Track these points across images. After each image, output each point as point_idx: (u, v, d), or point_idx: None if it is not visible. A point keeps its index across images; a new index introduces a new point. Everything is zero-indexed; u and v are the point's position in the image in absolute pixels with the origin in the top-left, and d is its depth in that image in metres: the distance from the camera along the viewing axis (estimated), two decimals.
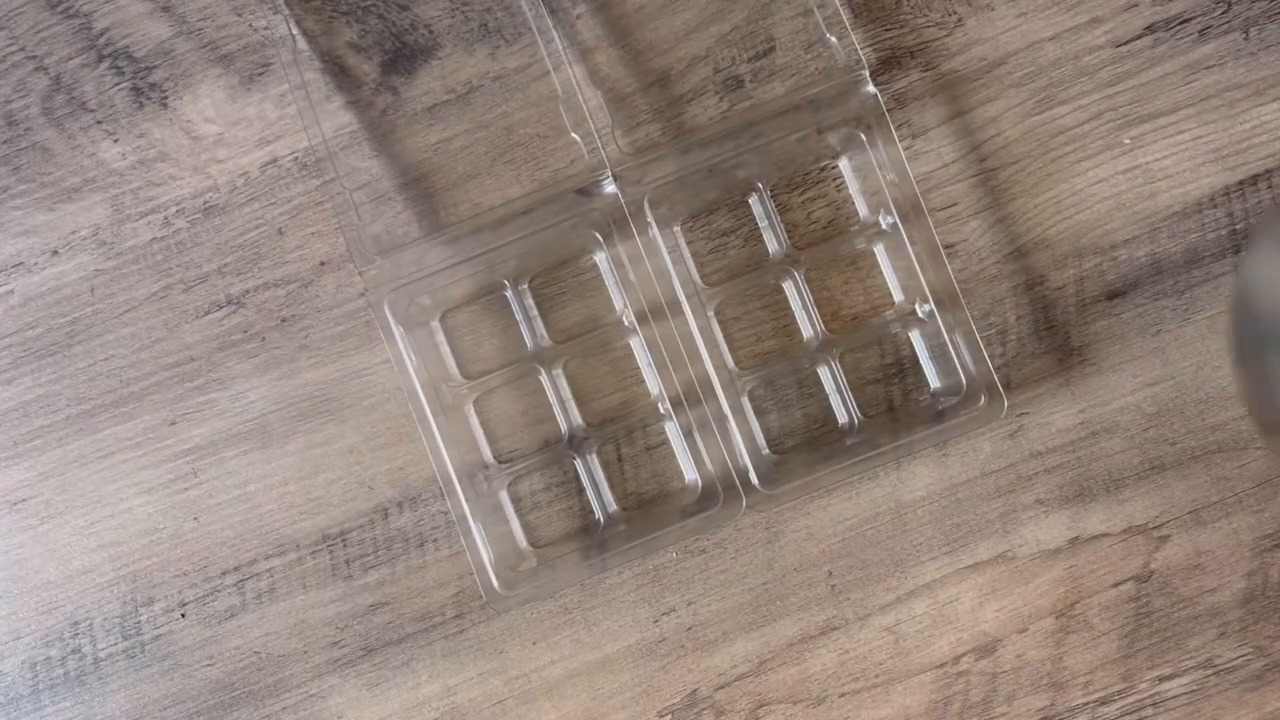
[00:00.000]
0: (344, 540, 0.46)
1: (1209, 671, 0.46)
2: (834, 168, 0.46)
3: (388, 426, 0.46)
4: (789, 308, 0.46)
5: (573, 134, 0.44)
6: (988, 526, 0.46)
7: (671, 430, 0.46)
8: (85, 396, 0.47)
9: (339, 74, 0.47)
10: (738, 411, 0.44)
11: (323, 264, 0.47)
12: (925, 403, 0.46)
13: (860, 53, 0.45)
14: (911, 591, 0.46)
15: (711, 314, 0.46)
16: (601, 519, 0.46)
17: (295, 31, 0.46)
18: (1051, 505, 0.46)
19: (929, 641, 0.46)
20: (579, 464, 0.46)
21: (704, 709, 0.46)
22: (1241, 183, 0.46)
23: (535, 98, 0.47)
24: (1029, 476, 0.46)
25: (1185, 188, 0.46)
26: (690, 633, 0.46)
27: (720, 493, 0.43)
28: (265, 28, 0.47)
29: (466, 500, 0.43)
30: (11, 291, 0.47)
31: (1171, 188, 0.46)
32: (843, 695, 0.46)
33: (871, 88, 0.44)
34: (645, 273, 0.43)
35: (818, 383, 0.46)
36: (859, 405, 0.46)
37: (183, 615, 0.46)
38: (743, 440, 0.44)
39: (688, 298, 0.44)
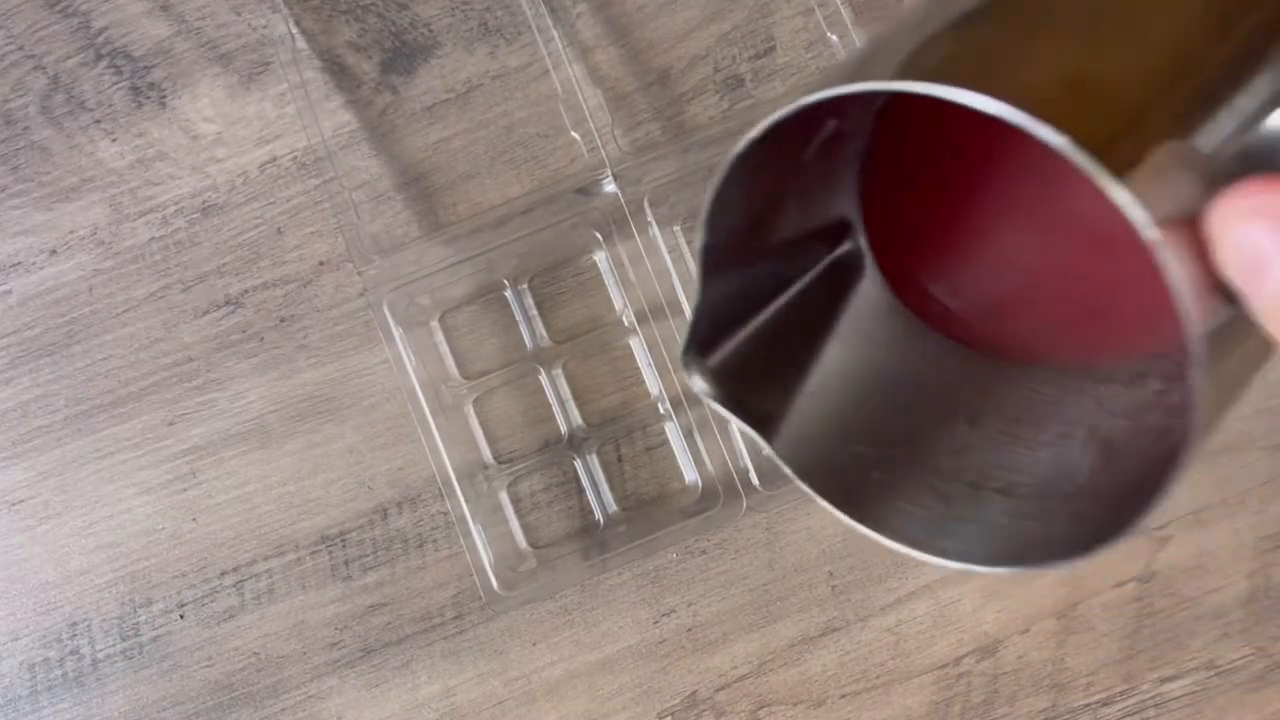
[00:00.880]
0: (343, 541, 0.46)
1: (1211, 672, 0.46)
2: None
3: (387, 427, 0.46)
4: None
5: (573, 133, 0.44)
6: None
7: (671, 430, 0.46)
8: (84, 396, 0.46)
9: (338, 73, 0.47)
10: None
11: (322, 264, 0.47)
12: None
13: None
14: (912, 592, 0.46)
15: None
16: (601, 519, 0.46)
17: (294, 30, 0.46)
18: None
19: (930, 642, 0.46)
20: (579, 464, 0.46)
21: (704, 710, 0.46)
22: None
23: (535, 97, 0.47)
24: None
25: None
26: (690, 634, 0.46)
27: (720, 493, 0.43)
28: (264, 26, 0.47)
29: (466, 501, 0.43)
30: (9, 291, 0.47)
31: None
32: (843, 696, 0.46)
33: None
34: (645, 272, 0.43)
35: None
36: None
37: (181, 616, 0.46)
38: (743, 440, 0.44)
39: (688, 297, 0.44)
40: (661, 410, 0.46)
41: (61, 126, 0.47)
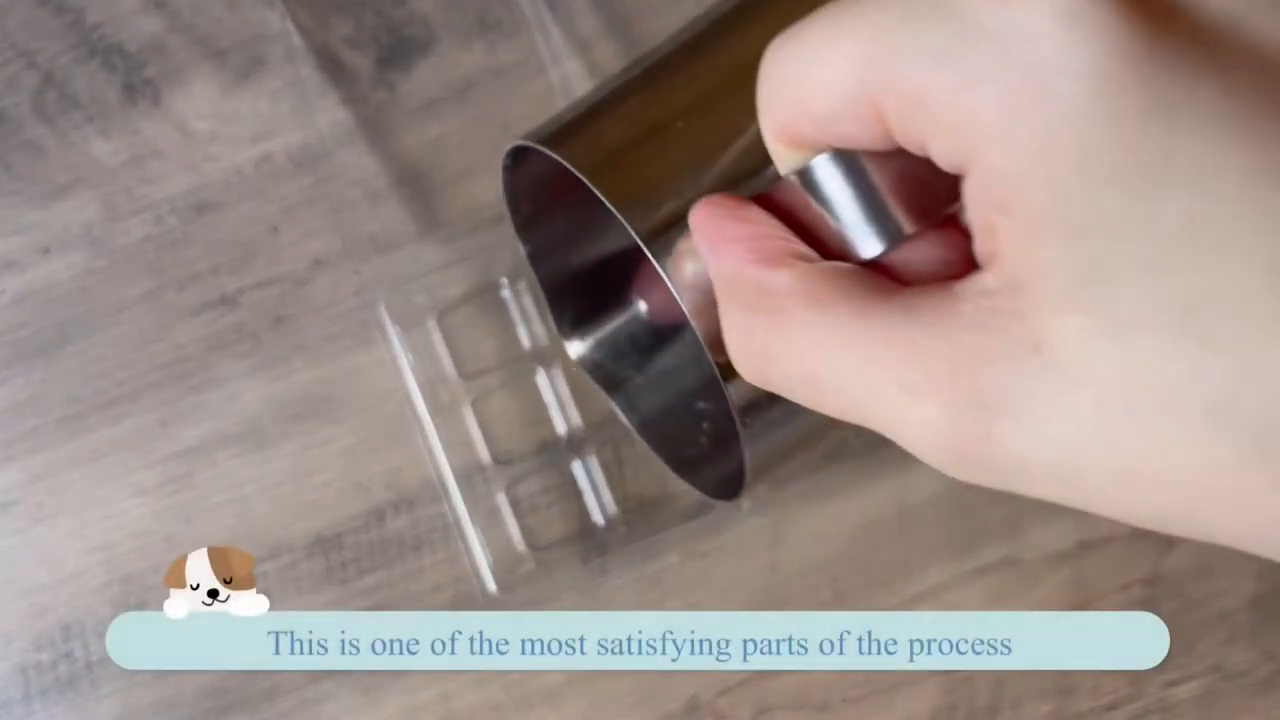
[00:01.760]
0: (339, 543, 0.46)
1: (1218, 676, 0.46)
2: None
3: (384, 428, 0.46)
4: None
5: None
6: (994, 530, 0.46)
7: None
8: (77, 397, 0.46)
9: (334, 69, 0.46)
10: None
11: (318, 262, 0.46)
12: None
13: None
14: (916, 595, 0.46)
15: None
16: (601, 521, 0.46)
17: (289, 26, 0.46)
18: (1059, 508, 0.46)
19: None
20: (578, 466, 0.46)
21: (705, 715, 0.46)
22: None
23: (534, 93, 0.46)
24: None
25: None
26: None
27: None
28: (259, 23, 0.46)
29: (464, 503, 0.43)
30: (3, 291, 0.46)
31: None
32: (845, 701, 0.46)
33: None
34: None
35: None
36: None
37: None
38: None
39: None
40: None
41: (54, 124, 0.47)
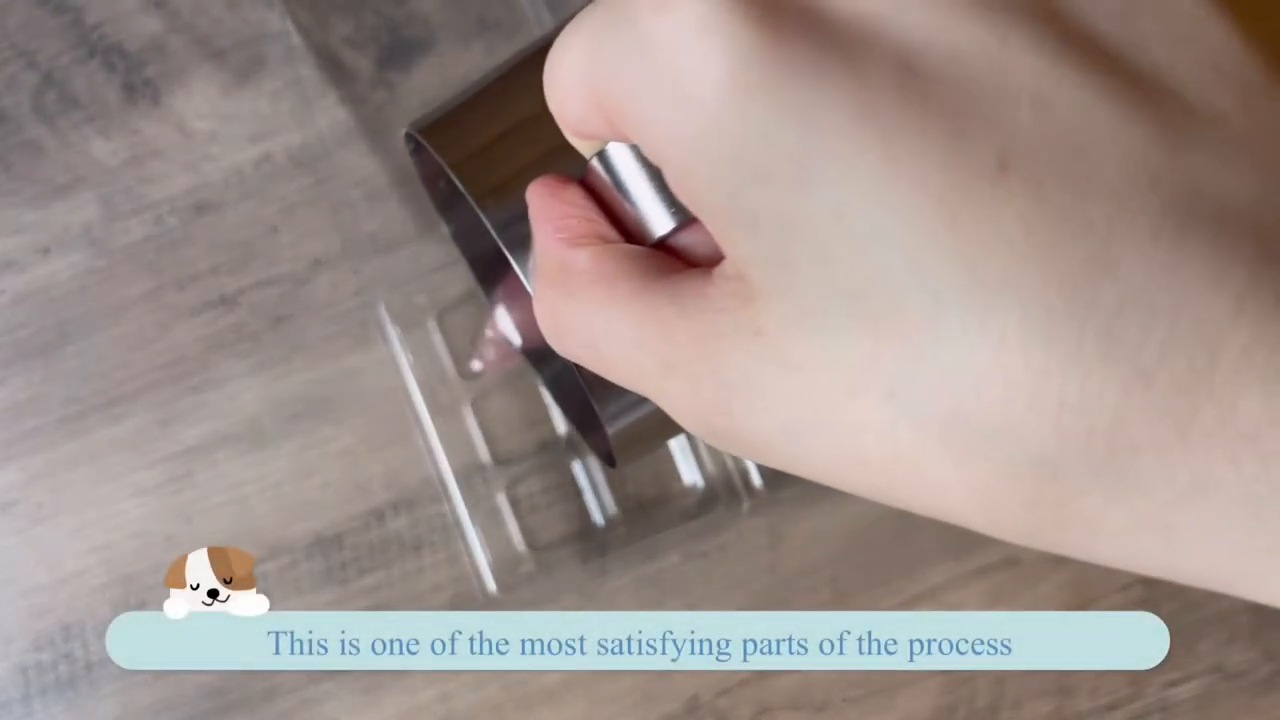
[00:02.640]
0: (339, 543, 0.46)
1: (1218, 676, 0.46)
2: None
3: (384, 428, 0.46)
4: None
5: None
6: None
7: None
8: (76, 397, 0.46)
9: (334, 69, 0.46)
10: None
11: (317, 262, 0.46)
12: None
13: None
14: (917, 596, 0.46)
15: None
16: (601, 521, 0.46)
17: (289, 26, 0.46)
18: None
19: None
20: (578, 465, 0.46)
21: (705, 715, 0.46)
22: None
23: None
24: None
25: None
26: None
27: (721, 495, 0.43)
28: (259, 23, 0.46)
29: (464, 503, 0.43)
30: (2, 291, 0.46)
31: None
32: (846, 701, 0.46)
33: None
34: None
35: None
36: None
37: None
38: None
39: None
40: None
41: (54, 124, 0.47)
